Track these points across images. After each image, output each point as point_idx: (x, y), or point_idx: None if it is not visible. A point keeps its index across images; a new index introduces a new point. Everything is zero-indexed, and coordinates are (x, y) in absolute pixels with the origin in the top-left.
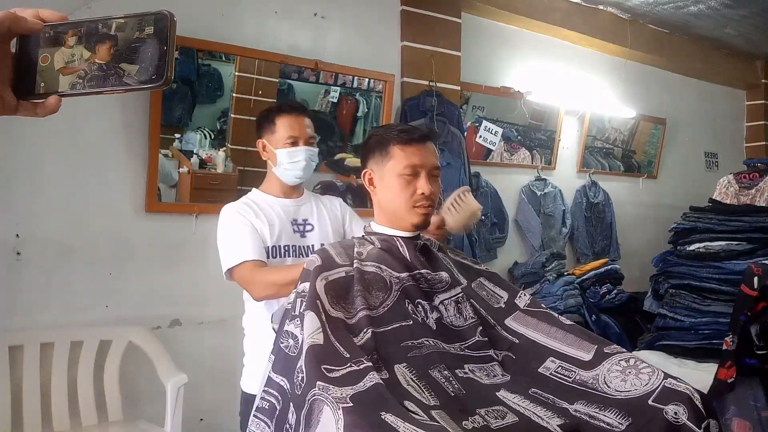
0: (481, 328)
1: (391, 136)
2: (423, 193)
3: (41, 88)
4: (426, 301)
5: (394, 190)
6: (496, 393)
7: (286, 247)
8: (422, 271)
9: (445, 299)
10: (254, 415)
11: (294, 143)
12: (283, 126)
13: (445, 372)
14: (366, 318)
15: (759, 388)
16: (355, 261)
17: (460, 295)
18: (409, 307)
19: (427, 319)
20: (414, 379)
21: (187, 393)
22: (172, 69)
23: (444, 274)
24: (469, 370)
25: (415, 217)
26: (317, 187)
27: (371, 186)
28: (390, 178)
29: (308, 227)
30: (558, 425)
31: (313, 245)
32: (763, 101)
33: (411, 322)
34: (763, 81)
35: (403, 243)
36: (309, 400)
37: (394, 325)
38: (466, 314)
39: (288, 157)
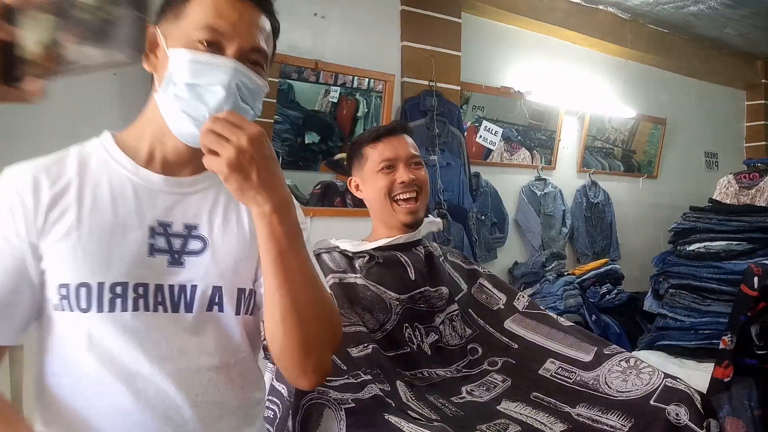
0: (476, 344)
1: (362, 140)
2: (403, 182)
3: (21, 71)
4: (423, 324)
5: (376, 186)
6: (497, 407)
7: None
8: (423, 290)
9: (443, 319)
10: None
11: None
12: None
13: (441, 400)
14: (367, 335)
15: (753, 388)
16: (356, 276)
17: (456, 313)
18: (407, 333)
19: (423, 344)
20: (413, 398)
21: None
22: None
23: (444, 290)
24: (467, 392)
25: (403, 216)
26: (317, 187)
27: (358, 191)
28: (370, 178)
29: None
30: (561, 431)
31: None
32: (763, 101)
33: (408, 350)
34: (763, 81)
35: (407, 259)
36: (304, 405)
37: (391, 353)
38: (461, 332)
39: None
